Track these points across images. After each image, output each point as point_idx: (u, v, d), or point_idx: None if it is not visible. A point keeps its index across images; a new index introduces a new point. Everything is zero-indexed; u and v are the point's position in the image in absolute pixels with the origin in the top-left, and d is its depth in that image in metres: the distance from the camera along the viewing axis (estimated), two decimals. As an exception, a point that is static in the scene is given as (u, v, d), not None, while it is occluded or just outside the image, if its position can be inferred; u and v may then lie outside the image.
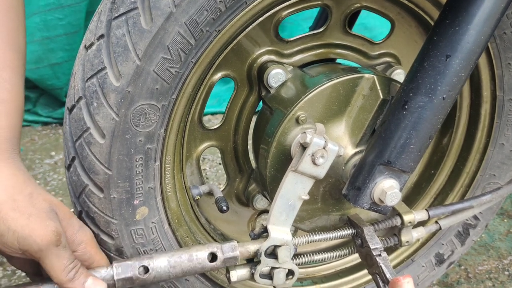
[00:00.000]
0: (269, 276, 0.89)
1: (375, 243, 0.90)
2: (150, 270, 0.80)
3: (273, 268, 0.89)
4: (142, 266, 0.80)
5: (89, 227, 0.85)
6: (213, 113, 2.62)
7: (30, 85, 2.53)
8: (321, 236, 0.93)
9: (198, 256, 0.83)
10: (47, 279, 0.76)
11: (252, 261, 0.88)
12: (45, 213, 0.73)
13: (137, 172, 0.82)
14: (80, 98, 0.77)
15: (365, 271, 1.21)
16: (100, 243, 0.87)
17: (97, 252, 0.82)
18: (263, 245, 0.86)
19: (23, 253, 0.73)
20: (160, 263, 0.81)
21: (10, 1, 0.81)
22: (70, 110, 0.79)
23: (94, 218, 0.84)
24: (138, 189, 0.83)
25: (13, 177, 0.74)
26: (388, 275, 0.85)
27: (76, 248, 0.79)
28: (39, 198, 0.74)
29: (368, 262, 0.91)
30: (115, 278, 0.79)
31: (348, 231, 0.94)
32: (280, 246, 0.86)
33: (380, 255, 0.89)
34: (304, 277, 1.19)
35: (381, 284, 0.87)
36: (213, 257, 0.84)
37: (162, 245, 0.91)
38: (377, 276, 0.88)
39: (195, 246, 0.85)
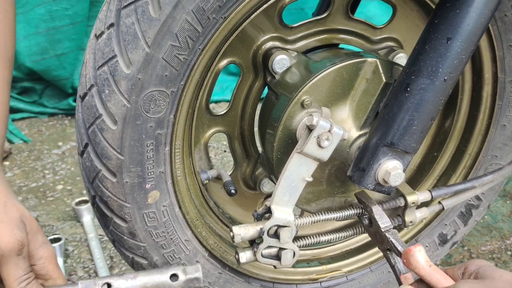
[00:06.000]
0: (272, 256, 0.92)
1: (385, 222, 0.91)
2: (112, 287, 0.80)
3: (280, 249, 0.92)
4: (106, 283, 0.80)
5: (103, 211, 0.88)
6: (216, 101, 2.65)
7: (36, 77, 2.56)
8: (323, 216, 0.94)
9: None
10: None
11: (255, 242, 0.91)
12: (14, 223, 0.77)
13: (148, 157, 0.85)
14: (92, 86, 0.79)
15: (370, 252, 1.24)
16: (114, 226, 0.90)
17: (55, 269, 0.84)
18: (266, 224, 0.88)
19: None
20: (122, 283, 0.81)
21: (1, 4, 0.81)
22: (82, 98, 0.82)
23: (107, 202, 0.87)
24: (149, 174, 0.86)
25: None
26: (399, 248, 0.87)
27: (35, 262, 0.81)
28: (12, 208, 0.78)
29: (378, 239, 0.92)
30: None
31: (352, 211, 0.96)
32: (283, 226, 0.89)
33: (389, 230, 0.90)
34: (311, 258, 1.22)
35: (392, 260, 0.88)
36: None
37: (173, 227, 0.94)
38: (388, 252, 0.90)
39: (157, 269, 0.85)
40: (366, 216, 0.95)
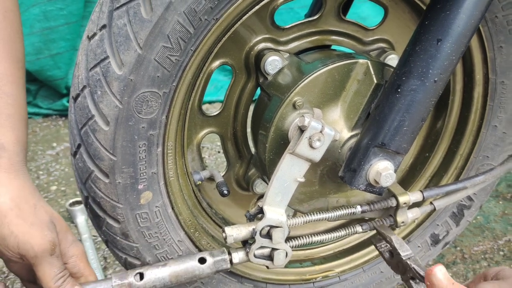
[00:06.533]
0: (265, 256, 0.92)
1: (405, 250, 0.93)
2: (145, 276, 0.85)
3: (273, 249, 0.92)
4: (138, 273, 0.85)
5: (95, 212, 0.89)
6: (211, 102, 2.65)
7: (31, 78, 2.56)
8: (315, 217, 0.95)
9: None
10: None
11: (247, 242, 0.91)
12: (45, 224, 0.79)
13: (141, 158, 0.85)
14: (84, 87, 0.80)
15: (362, 252, 1.24)
16: (107, 227, 0.90)
17: (86, 267, 0.87)
18: (259, 225, 0.89)
19: (21, 258, 0.78)
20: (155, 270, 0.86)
21: (6, 4, 0.82)
22: (75, 99, 0.82)
23: (100, 203, 0.87)
24: (142, 174, 0.86)
25: (21, 188, 0.80)
26: (421, 273, 0.88)
27: (67, 260, 0.84)
28: (42, 210, 0.80)
29: (401, 269, 0.93)
30: (113, 284, 0.84)
31: (344, 211, 0.97)
32: (275, 227, 0.89)
33: (410, 258, 0.91)
34: (304, 258, 1.23)
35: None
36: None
37: (166, 228, 0.94)
38: (412, 280, 0.90)
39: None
40: (386, 249, 0.96)
